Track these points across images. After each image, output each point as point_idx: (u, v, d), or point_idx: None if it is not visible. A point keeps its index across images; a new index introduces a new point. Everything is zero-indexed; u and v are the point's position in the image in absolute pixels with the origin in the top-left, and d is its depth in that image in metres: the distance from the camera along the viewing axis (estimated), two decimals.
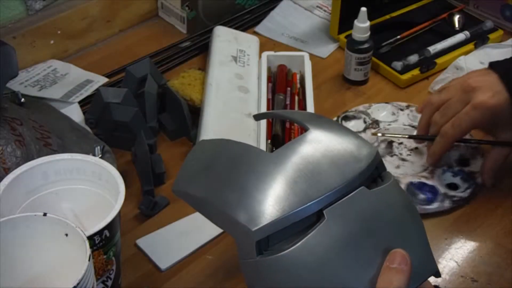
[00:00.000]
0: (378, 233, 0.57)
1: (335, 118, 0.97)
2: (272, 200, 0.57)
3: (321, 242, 0.55)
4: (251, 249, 0.57)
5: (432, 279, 0.58)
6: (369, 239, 0.56)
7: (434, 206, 0.84)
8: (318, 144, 0.62)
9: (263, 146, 0.88)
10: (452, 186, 0.87)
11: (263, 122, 0.91)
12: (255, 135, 0.91)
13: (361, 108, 0.99)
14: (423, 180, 0.87)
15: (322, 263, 0.55)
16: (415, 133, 0.94)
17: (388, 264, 0.55)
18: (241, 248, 0.58)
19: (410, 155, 0.92)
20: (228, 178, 0.61)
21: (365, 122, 0.97)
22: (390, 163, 0.91)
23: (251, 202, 0.57)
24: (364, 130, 0.95)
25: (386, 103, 1.00)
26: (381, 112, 0.98)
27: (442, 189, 0.86)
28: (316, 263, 0.55)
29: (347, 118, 0.98)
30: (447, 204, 0.84)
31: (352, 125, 0.97)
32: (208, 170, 0.63)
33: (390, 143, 0.94)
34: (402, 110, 0.98)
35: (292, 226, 0.57)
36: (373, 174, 0.62)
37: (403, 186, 0.86)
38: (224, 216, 0.59)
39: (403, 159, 0.92)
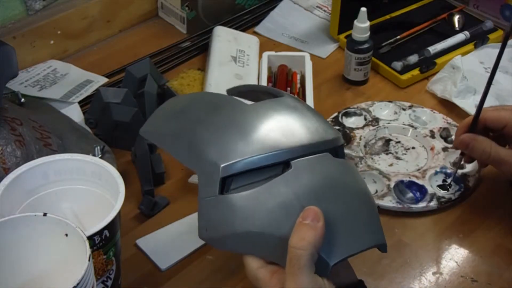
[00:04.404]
0: (331, 193, 0.59)
1: (335, 114, 0.97)
2: (244, 142, 0.59)
3: (284, 188, 0.57)
4: (215, 186, 0.58)
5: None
6: (324, 196, 0.58)
7: (420, 205, 0.84)
8: (293, 108, 0.64)
9: None
10: (443, 187, 0.87)
11: None
12: None
13: (363, 105, 0.99)
14: (414, 179, 0.87)
15: (280, 209, 0.57)
16: (411, 131, 0.95)
17: (301, 220, 0.55)
18: (204, 186, 0.59)
19: (405, 154, 0.92)
20: (203, 119, 0.62)
21: (365, 119, 0.97)
22: (384, 161, 0.91)
23: (223, 141, 0.59)
24: (363, 127, 0.95)
25: (389, 101, 1.00)
26: (383, 110, 0.99)
27: (431, 190, 0.86)
28: (276, 207, 0.57)
29: (347, 114, 0.98)
30: (434, 204, 0.85)
31: (352, 121, 0.97)
32: (183, 112, 0.65)
33: (387, 141, 0.94)
34: (404, 109, 0.98)
35: (257, 174, 0.58)
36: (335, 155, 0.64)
37: (392, 184, 0.86)
38: (194, 152, 0.60)
39: (398, 158, 0.92)
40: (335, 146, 0.64)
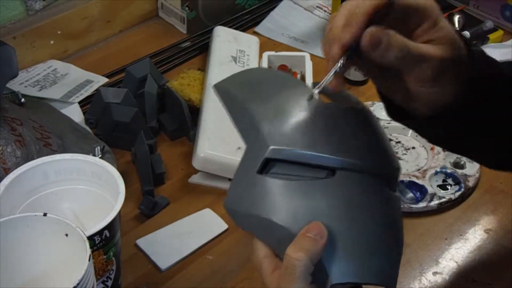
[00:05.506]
0: (362, 217, 0.57)
1: None
2: (301, 134, 0.57)
3: (319, 193, 0.56)
4: (256, 163, 0.57)
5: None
6: (354, 216, 0.56)
7: (421, 205, 0.84)
8: (363, 123, 0.61)
9: None
10: (443, 187, 0.87)
11: None
12: None
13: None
14: (414, 179, 0.87)
15: (307, 210, 0.56)
16: (411, 131, 0.94)
17: (304, 232, 0.54)
18: (247, 160, 0.59)
19: (405, 154, 0.93)
20: (274, 97, 0.61)
21: None
22: None
23: (283, 124, 0.57)
24: None
25: None
26: (384, 110, 0.98)
27: (431, 190, 0.86)
28: (304, 207, 0.56)
29: None
30: (434, 204, 0.85)
31: None
32: (260, 83, 0.63)
33: None
34: None
35: (301, 169, 0.57)
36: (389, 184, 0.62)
37: None
38: (251, 123, 0.59)
39: (398, 158, 0.91)
40: (389, 176, 0.61)
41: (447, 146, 0.69)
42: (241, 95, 0.62)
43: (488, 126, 0.61)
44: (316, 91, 0.56)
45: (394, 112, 0.63)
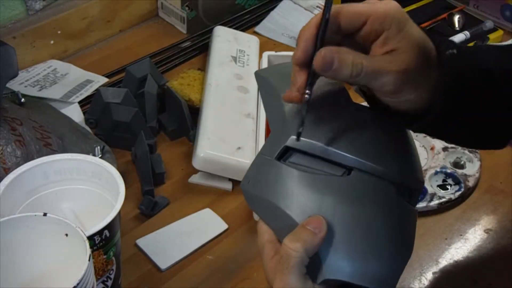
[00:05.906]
0: (369, 221, 0.56)
1: None
2: (326, 129, 0.58)
3: (329, 189, 0.56)
4: (276, 150, 0.58)
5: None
6: (360, 218, 0.56)
7: (421, 205, 0.84)
8: (399, 134, 0.62)
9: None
10: (443, 187, 0.87)
11: (263, 122, 0.91)
12: (254, 135, 0.91)
13: (365, 104, 0.99)
14: None
15: (315, 205, 0.56)
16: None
17: (303, 224, 0.55)
18: (269, 144, 0.60)
19: None
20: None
21: None
22: None
23: (310, 118, 0.58)
24: None
25: None
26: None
27: (431, 190, 0.86)
28: (312, 201, 0.56)
29: None
30: (434, 204, 0.85)
31: None
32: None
33: None
34: None
35: (319, 164, 0.58)
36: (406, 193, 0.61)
37: None
38: (280, 112, 0.60)
39: None
40: (410, 188, 0.61)
41: (439, 138, 0.69)
42: (278, 85, 0.63)
43: (476, 118, 0.60)
44: (300, 130, 0.57)
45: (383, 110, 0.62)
